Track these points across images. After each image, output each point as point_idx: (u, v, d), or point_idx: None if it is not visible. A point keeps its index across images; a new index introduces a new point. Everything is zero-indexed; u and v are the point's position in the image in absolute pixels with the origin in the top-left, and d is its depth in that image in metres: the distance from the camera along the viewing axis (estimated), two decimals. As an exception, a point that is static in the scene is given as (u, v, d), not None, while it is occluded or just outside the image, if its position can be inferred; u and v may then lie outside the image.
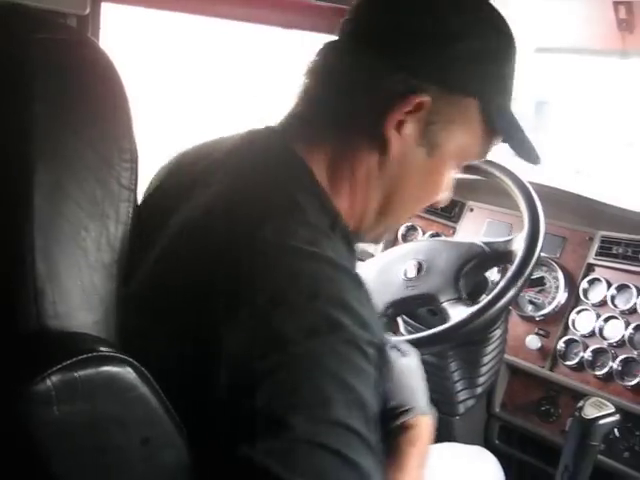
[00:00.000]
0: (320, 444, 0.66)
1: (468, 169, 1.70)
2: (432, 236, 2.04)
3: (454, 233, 2.03)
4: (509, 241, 1.54)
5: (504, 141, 0.94)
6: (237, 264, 0.72)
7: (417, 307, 1.64)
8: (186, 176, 0.90)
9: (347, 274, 0.78)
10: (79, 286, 0.61)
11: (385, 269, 1.64)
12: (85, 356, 0.57)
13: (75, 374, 0.56)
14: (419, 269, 1.58)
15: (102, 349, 0.59)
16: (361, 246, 1.74)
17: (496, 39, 0.88)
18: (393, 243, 2.10)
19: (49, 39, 0.63)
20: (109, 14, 1.56)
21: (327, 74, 0.88)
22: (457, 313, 1.46)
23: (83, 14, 1.40)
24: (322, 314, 0.71)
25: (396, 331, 1.85)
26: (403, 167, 0.88)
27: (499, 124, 0.91)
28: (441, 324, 1.46)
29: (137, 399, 0.60)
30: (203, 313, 0.71)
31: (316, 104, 0.89)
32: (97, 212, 0.63)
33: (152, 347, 0.71)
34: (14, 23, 0.64)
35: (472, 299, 1.51)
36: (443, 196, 0.97)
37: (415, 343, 1.47)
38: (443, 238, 1.71)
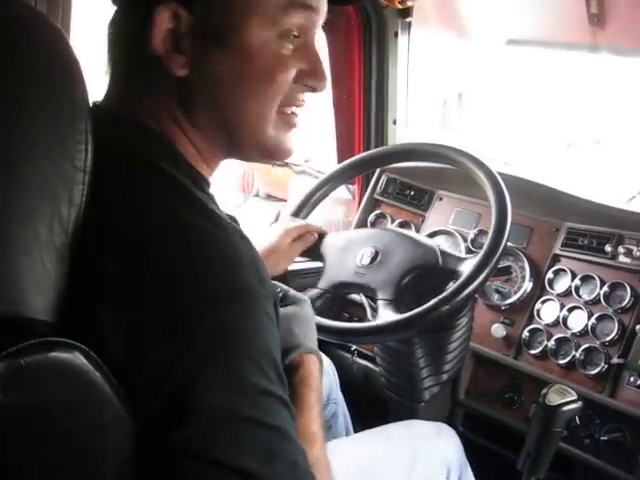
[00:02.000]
0: (245, 418, 0.67)
1: (439, 158, 1.71)
2: (401, 224, 2.05)
3: (423, 221, 2.04)
4: (462, 260, 1.53)
5: None
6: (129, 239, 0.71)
7: (361, 295, 1.67)
8: None
9: (229, 227, 0.77)
10: (29, 269, 0.60)
11: (345, 248, 1.65)
12: (32, 342, 0.56)
13: (22, 360, 0.55)
14: (373, 259, 1.60)
15: (50, 334, 0.58)
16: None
17: None
18: (361, 225, 2.11)
19: (6, 16, 0.61)
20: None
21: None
22: (383, 316, 1.49)
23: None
24: (221, 281, 0.71)
25: (336, 312, 1.88)
26: (207, 78, 0.82)
27: None
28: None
29: (87, 384, 0.59)
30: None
31: (111, 60, 0.85)
32: (49, 194, 0.61)
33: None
34: None
35: (410, 304, 1.53)
36: (313, 83, 0.89)
37: (345, 332, 1.51)
38: (408, 233, 1.69)
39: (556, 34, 2.05)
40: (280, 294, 1.09)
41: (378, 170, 2.12)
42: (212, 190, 0.87)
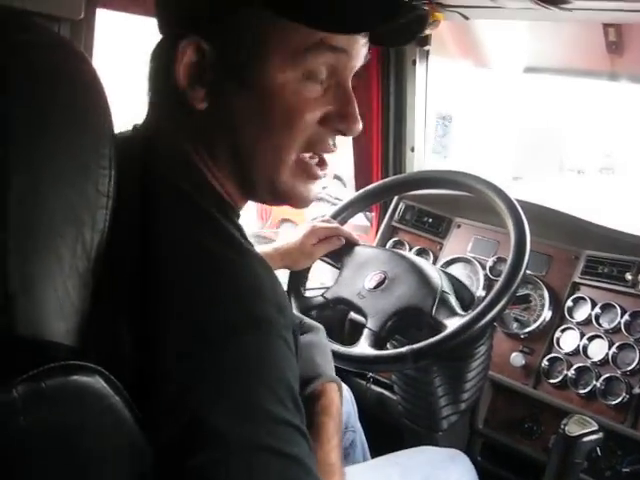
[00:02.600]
0: (261, 446, 0.66)
1: (457, 185, 1.71)
2: (418, 252, 2.04)
3: (441, 249, 2.03)
4: (454, 315, 1.49)
5: (307, 21, 0.78)
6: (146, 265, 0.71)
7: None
8: None
9: (253, 257, 0.77)
10: (53, 294, 0.60)
11: (362, 264, 1.66)
12: (53, 365, 0.56)
13: (42, 384, 0.55)
14: (379, 284, 1.60)
15: (71, 358, 0.58)
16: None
17: None
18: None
19: (30, 42, 0.62)
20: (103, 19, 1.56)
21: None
22: (361, 346, 1.50)
23: (77, 19, 1.40)
24: (240, 309, 0.70)
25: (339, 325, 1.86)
26: (223, 114, 0.81)
27: (285, 7, 0.77)
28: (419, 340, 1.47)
29: (107, 409, 0.59)
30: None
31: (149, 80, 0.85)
32: (73, 218, 0.62)
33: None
34: None
35: (389, 340, 1.54)
36: (343, 127, 0.85)
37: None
38: (422, 266, 1.66)
39: (574, 62, 2.05)
40: (297, 321, 1.09)
41: (396, 197, 2.13)
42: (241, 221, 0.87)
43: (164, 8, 0.81)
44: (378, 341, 1.51)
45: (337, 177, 5.46)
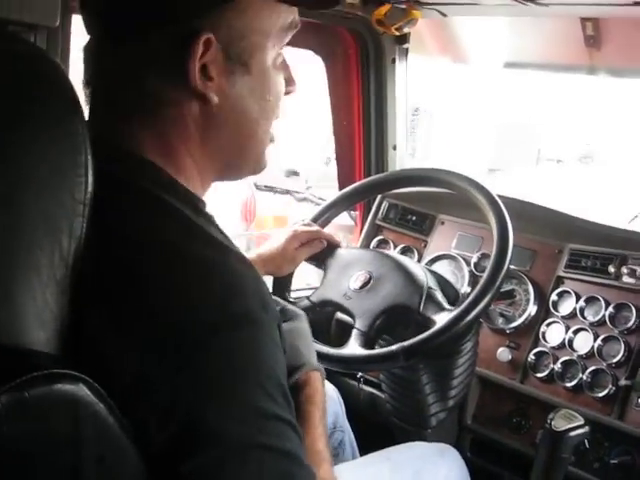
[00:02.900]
0: (254, 444, 0.67)
1: (439, 183, 1.71)
2: (403, 250, 2.04)
3: (425, 247, 2.03)
4: (442, 311, 1.51)
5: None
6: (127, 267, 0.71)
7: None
8: None
9: (232, 254, 0.77)
10: (32, 303, 0.60)
11: (346, 266, 1.66)
12: (36, 374, 0.56)
13: (25, 393, 0.55)
14: (364, 284, 1.60)
15: (53, 367, 0.58)
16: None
17: None
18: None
19: (3, 51, 0.62)
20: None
21: (104, 47, 0.82)
22: (350, 346, 1.50)
23: (53, 26, 1.39)
24: (220, 308, 0.70)
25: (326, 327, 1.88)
26: (232, 102, 0.83)
27: None
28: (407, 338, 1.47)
29: (91, 417, 0.59)
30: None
31: (106, 86, 0.83)
32: (50, 227, 0.62)
33: None
34: None
35: (378, 340, 1.54)
36: (291, 87, 0.91)
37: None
38: (407, 264, 1.66)
39: (553, 56, 2.06)
40: (278, 308, 1.09)
41: (379, 196, 2.13)
42: (210, 210, 0.87)
43: (163, 5, 0.78)
44: (368, 341, 1.51)
45: (293, 172, 5.42)
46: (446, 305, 1.53)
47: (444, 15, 1.83)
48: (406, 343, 1.43)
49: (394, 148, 2.26)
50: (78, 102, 0.65)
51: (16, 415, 0.55)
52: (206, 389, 0.67)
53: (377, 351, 1.48)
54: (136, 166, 0.80)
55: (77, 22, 1.53)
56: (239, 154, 0.89)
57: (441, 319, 1.47)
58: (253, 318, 0.72)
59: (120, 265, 0.71)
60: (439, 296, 1.56)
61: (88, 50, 0.84)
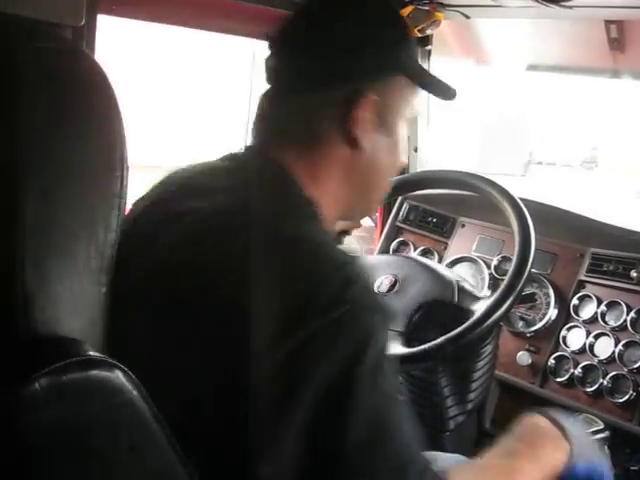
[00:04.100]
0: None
1: (460, 185, 1.71)
2: (423, 252, 2.05)
3: (445, 249, 2.03)
4: (478, 300, 1.52)
5: (431, 92, 1.11)
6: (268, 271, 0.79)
7: None
8: (173, 197, 0.97)
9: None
10: (68, 292, 0.62)
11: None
12: (73, 360, 0.57)
13: (63, 377, 0.56)
14: (391, 287, 1.60)
15: (91, 353, 0.59)
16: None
17: (397, 29, 1.05)
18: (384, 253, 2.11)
19: (41, 49, 0.64)
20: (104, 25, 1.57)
21: (282, 94, 1.02)
22: (392, 349, 1.48)
23: (78, 25, 1.40)
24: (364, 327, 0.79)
25: None
26: (373, 153, 1.01)
27: (424, 82, 1.07)
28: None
29: (125, 404, 0.60)
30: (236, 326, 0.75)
31: (278, 122, 1.01)
32: (87, 219, 0.64)
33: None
34: (7, 33, 0.65)
35: (417, 338, 1.52)
36: (404, 159, 1.12)
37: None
38: (429, 263, 1.68)
39: (577, 59, 2.05)
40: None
41: (400, 197, 2.13)
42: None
43: (346, 68, 0.98)
44: (407, 341, 1.50)
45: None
46: (481, 294, 1.53)
47: (467, 17, 1.83)
48: (451, 334, 1.42)
49: (415, 150, 2.26)
50: (116, 99, 0.67)
51: (53, 399, 0.56)
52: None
53: (423, 346, 1.44)
54: (287, 178, 0.96)
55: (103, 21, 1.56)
56: (361, 196, 1.06)
57: (479, 307, 1.47)
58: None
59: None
60: (470, 287, 1.56)
61: (266, 95, 1.03)
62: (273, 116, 1.02)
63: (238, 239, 0.81)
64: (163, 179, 1.04)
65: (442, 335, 1.43)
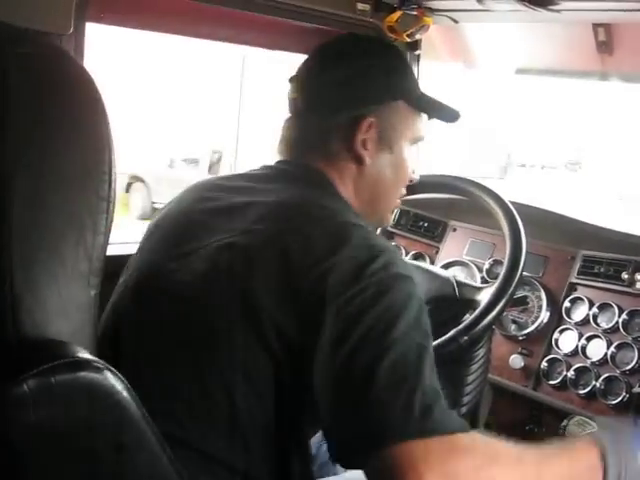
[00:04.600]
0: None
1: (451, 189, 1.71)
2: (415, 256, 2.05)
3: (437, 253, 2.03)
4: (479, 290, 1.52)
5: (430, 115, 1.28)
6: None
7: None
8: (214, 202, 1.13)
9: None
10: (56, 295, 0.62)
11: None
12: (62, 361, 0.57)
13: (52, 379, 0.57)
14: None
15: (79, 355, 0.59)
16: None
17: (393, 61, 1.24)
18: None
19: (28, 54, 0.64)
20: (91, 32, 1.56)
21: (302, 120, 1.21)
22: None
23: (66, 33, 1.40)
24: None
25: None
26: (377, 168, 1.20)
27: (423, 106, 1.25)
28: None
29: (114, 405, 0.60)
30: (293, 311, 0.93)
31: (303, 141, 1.20)
32: (75, 222, 0.64)
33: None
34: None
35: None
36: (413, 176, 1.29)
37: None
38: (423, 265, 1.70)
39: (565, 62, 2.06)
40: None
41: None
42: None
43: (348, 96, 1.18)
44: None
45: (192, 160, 5.34)
46: (480, 284, 1.56)
47: (455, 22, 1.84)
48: (462, 326, 1.43)
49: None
50: (103, 104, 0.67)
51: (41, 400, 0.57)
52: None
53: (437, 341, 1.41)
54: (328, 182, 1.17)
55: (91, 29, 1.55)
56: (370, 207, 1.22)
57: (484, 296, 1.47)
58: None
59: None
60: (468, 280, 1.59)
61: (287, 121, 1.23)
62: (297, 137, 1.21)
63: (314, 221, 1.01)
64: (195, 185, 1.22)
65: (448, 329, 1.43)
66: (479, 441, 0.92)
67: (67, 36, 1.47)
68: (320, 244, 0.97)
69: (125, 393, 0.61)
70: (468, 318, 1.44)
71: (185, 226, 1.10)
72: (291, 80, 1.24)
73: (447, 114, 1.32)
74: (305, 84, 1.23)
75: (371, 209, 1.23)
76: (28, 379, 0.56)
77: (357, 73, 1.19)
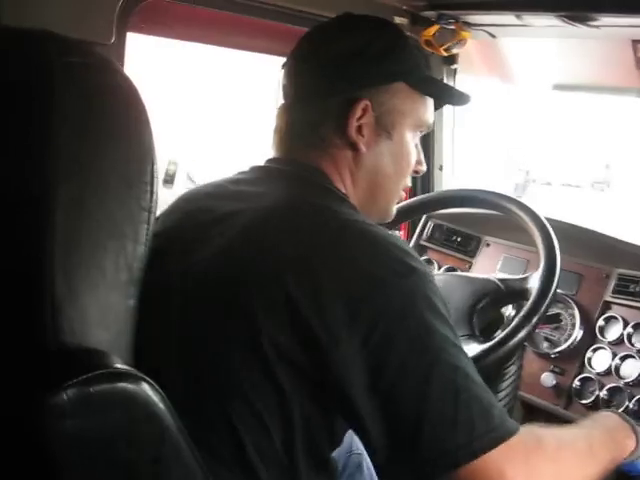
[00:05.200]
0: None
1: (485, 204, 1.70)
2: (447, 270, 2.03)
3: (470, 268, 2.02)
4: (524, 279, 1.52)
5: (436, 99, 1.18)
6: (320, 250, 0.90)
7: None
8: (212, 206, 1.05)
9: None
10: (95, 304, 0.62)
11: None
12: (101, 372, 0.58)
13: (90, 389, 0.57)
14: None
15: (117, 366, 0.59)
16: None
17: (389, 40, 1.13)
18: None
19: (73, 63, 0.65)
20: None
21: (291, 107, 1.13)
22: (470, 350, 1.45)
23: (109, 43, 1.43)
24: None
25: None
26: (375, 156, 1.11)
27: (426, 89, 1.15)
28: None
29: (150, 417, 0.61)
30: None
31: (293, 131, 1.12)
32: (116, 232, 0.64)
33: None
34: (40, 48, 0.66)
35: (486, 335, 1.50)
36: (420, 167, 1.19)
37: None
38: (458, 273, 1.71)
39: (603, 79, 2.04)
40: None
41: (424, 216, 2.12)
42: None
43: (339, 79, 1.09)
44: (478, 339, 1.49)
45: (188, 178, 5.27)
46: (522, 274, 1.56)
47: (493, 36, 1.83)
48: (494, 342, 1.41)
49: (440, 168, 2.25)
50: (146, 114, 0.68)
51: (79, 410, 0.57)
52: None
53: (501, 334, 1.41)
54: (322, 178, 1.08)
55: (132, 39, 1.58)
56: (370, 199, 1.14)
57: (532, 283, 1.46)
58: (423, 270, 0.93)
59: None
60: (507, 275, 1.58)
61: (280, 109, 1.15)
62: (289, 127, 1.12)
63: (305, 227, 0.93)
64: (186, 194, 1.14)
65: (509, 321, 1.43)
66: (537, 433, 0.96)
67: (108, 46, 1.50)
68: (315, 263, 0.89)
69: (162, 405, 0.61)
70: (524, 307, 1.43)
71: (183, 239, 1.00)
72: (283, 66, 1.16)
73: (455, 97, 1.23)
74: (293, 69, 1.14)
75: (371, 202, 1.14)
76: (67, 389, 0.56)
77: (349, 53, 1.09)
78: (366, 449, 0.92)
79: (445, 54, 1.87)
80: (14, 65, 0.63)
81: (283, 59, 1.18)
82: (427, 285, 0.91)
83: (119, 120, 0.67)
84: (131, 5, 1.53)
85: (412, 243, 2.14)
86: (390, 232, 0.99)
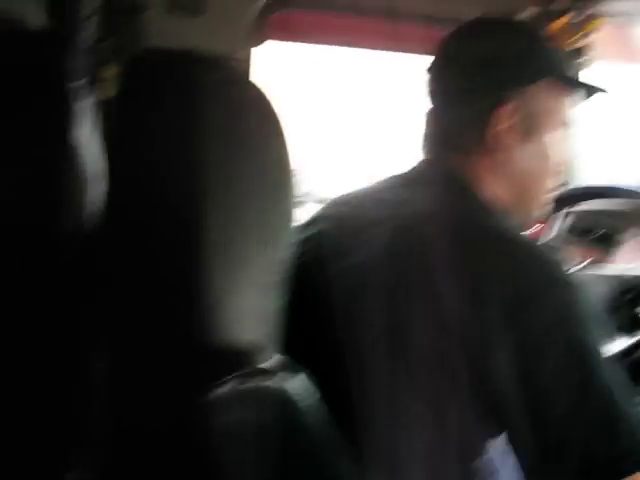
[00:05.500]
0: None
1: (628, 196, 1.65)
2: (589, 264, 1.98)
3: (611, 262, 1.95)
4: None
5: (580, 93, 1.16)
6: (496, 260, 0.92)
7: None
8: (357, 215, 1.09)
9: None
10: (249, 304, 0.66)
11: None
12: (254, 368, 0.61)
13: (243, 385, 0.60)
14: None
15: (270, 363, 0.62)
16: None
17: (533, 41, 1.13)
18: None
19: (218, 80, 0.69)
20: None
21: (438, 112, 1.15)
22: (618, 344, 1.41)
23: (246, 57, 1.50)
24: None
25: None
26: (520, 161, 1.10)
27: (571, 84, 1.15)
28: None
29: (303, 411, 0.63)
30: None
31: (439, 136, 1.14)
32: (264, 238, 0.68)
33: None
34: (186, 67, 0.70)
35: (632, 329, 1.45)
36: (566, 167, 1.18)
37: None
38: (601, 267, 1.64)
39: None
40: None
41: (565, 210, 2.07)
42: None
43: (483, 83, 1.09)
44: (625, 333, 1.46)
45: None
46: None
47: (624, 24, 1.77)
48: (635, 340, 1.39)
49: (576, 162, 2.19)
50: (281, 128, 0.72)
51: (235, 406, 0.60)
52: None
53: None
54: (462, 185, 1.09)
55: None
56: (517, 203, 1.12)
57: None
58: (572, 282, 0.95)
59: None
60: None
61: (428, 114, 1.16)
62: (434, 131, 1.15)
63: (449, 235, 0.95)
64: (336, 200, 1.19)
65: None
66: None
67: (243, 60, 1.57)
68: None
69: (313, 399, 0.64)
70: None
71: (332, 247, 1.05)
72: (428, 71, 1.18)
73: (594, 91, 1.20)
74: (437, 74, 1.16)
75: (517, 206, 1.13)
76: (221, 385, 0.59)
77: (492, 56, 1.10)
78: (517, 455, 0.90)
79: (576, 44, 1.82)
80: (162, 86, 0.68)
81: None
82: (575, 297, 0.93)
83: (259, 132, 0.70)
84: (262, 18, 1.59)
85: (552, 237, 2.10)
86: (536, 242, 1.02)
